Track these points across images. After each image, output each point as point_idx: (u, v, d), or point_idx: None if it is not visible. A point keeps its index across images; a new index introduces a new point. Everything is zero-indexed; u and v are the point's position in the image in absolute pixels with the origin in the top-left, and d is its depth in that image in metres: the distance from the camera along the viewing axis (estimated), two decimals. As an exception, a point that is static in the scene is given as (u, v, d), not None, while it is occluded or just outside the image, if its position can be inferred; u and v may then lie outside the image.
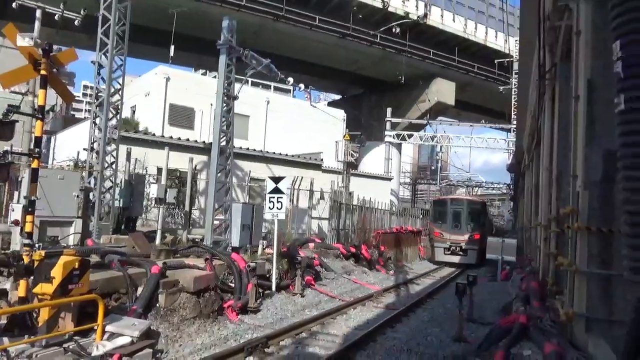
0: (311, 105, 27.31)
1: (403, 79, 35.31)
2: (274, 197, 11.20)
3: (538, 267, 13.30)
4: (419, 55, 35.87)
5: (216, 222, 13.21)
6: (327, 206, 20.58)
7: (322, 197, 20.95)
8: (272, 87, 70.50)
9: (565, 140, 10.20)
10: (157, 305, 7.88)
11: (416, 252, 30.37)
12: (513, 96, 35.08)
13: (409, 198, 69.67)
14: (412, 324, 9.64)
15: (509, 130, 41.39)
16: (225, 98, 12.91)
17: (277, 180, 11.28)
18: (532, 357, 5.65)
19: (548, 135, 10.98)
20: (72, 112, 58.19)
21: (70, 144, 20.94)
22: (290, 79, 15.69)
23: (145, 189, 13.73)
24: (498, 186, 63.23)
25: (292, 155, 20.66)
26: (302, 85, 17.19)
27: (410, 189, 67.19)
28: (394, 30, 31.89)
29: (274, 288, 11.20)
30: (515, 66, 36.76)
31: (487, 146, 35.29)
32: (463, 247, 22.82)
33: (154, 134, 17.83)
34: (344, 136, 22.28)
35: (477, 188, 62.69)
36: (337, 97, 48.35)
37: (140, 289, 7.91)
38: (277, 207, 11.18)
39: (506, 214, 76.75)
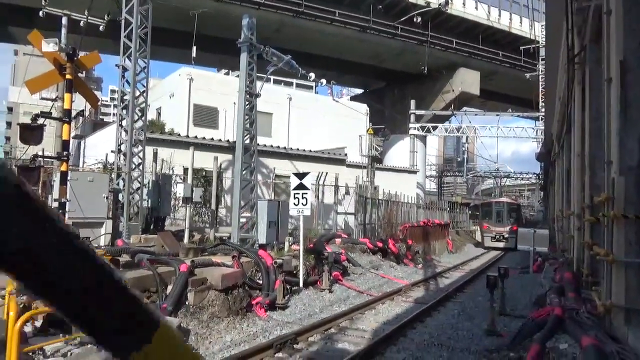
0: (333, 100, 27.13)
1: (426, 70, 34.85)
2: (298, 193, 11.17)
3: (571, 257, 12.95)
4: (441, 46, 35.30)
5: (242, 220, 13.29)
6: (352, 201, 20.49)
7: (347, 192, 20.86)
8: (294, 84, 70.72)
9: (597, 125, 9.87)
10: (187, 303, 7.96)
11: (444, 245, 30.05)
12: (540, 83, 34.21)
13: (435, 191, 68.97)
14: (443, 318, 9.49)
15: (537, 119, 40.42)
16: (248, 96, 12.93)
17: (301, 176, 11.24)
18: (569, 350, 5.45)
19: (579, 120, 10.63)
20: (100, 117, 59.63)
21: (99, 147, 21.41)
22: (312, 75, 15.62)
23: (173, 189, 13.91)
24: (527, 176, 61.79)
25: (316, 151, 20.62)
26: (323, 81, 17.08)
27: (437, 181, 66.38)
28: (415, 20, 31.41)
29: (301, 284, 11.19)
30: (542, 52, 35.79)
31: (515, 135, 34.51)
32: (505, 236, 31.73)
33: (179, 134, 18.05)
34: (367, 130, 22.07)
35: (505, 179, 61.52)
36: (360, 91, 47.99)
37: (169, 287, 8.00)
38: (302, 203, 11.14)
39: (536, 204, 75.15)
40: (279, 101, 27.52)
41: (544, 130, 29.07)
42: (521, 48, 36.62)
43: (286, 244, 13.41)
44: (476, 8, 35.27)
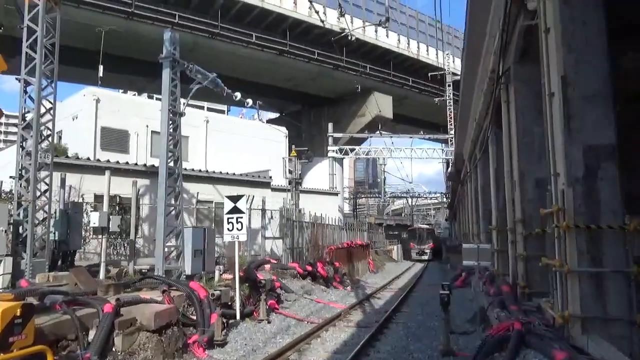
0: (259, 120, 26.64)
1: (341, 93, 35.60)
2: (232, 218, 10.41)
3: (496, 270, 13.39)
4: (355, 70, 36.34)
5: (166, 250, 12.15)
6: (277, 225, 19.91)
7: (272, 217, 20.23)
8: (205, 108, 68.77)
9: (525, 142, 10.32)
10: (114, 349, 6.85)
11: (366, 266, 30.27)
12: (448, 107, 36.46)
13: (349, 213, 70.22)
14: (392, 341, 9.16)
15: (444, 142, 42.89)
16: (171, 115, 11.99)
17: (235, 199, 10.50)
18: (542, 366, 5.30)
19: (506, 138, 11.07)
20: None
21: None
22: (238, 94, 14.98)
23: (84, 219, 12.41)
24: (435, 195, 65.17)
25: (240, 175, 19.83)
26: (249, 101, 16.50)
27: (351, 203, 67.70)
28: (332, 45, 32.08)
29: (238, 316, 10.33)
30: (449, 78, 38.31)
31: (427, 156, 36.15)
32: (425, 251, 46.34)
33: (88, 159, 16.39)
34: (291, 152, 21.73)
35: (415, 198, 64.31)
36: (275, 115, 47.81)
37: (92, 333, 6.85)
38: (237, 228, 10.39)
39: (442, 222, 79.33)
40: (196, 124, 26.38)
41: (455, 151, 30.68)
42: (429, 75, 38.83)
43: (216, 273, 12.44)
44: (387, 36, 36.90)
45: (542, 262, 7.15)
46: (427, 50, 40.52)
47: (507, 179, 11.08)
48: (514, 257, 10.40)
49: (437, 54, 40.07)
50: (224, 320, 9.78)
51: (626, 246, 6.19)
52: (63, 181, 12.31)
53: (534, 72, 10.22)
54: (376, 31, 36.21)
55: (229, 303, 10.65)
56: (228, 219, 10.45)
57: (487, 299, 10.15)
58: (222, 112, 65.09)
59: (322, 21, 26.21)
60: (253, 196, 17.11)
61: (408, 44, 39.10)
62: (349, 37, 27.45)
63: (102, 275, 11.19)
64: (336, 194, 32.29)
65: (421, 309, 13.19)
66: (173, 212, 12.27)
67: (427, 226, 55.81)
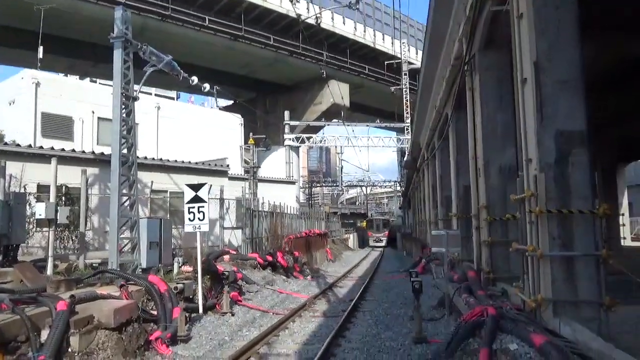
0: (217, 107, 25.91)
1: (298, 81, 35.26)
2: (194, 207, 9.99)
3: (457, 257, 13.66)
4: (312, 57, 36.02)
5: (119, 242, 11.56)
6: (235, 214, 19.54)
7: (228, 207, 19.80)
8: (153, 94, 66.38)
9: (489, 130, 10.46)
10: (70, 350, 6.38)
11: (324, 255, 30.39)
12: (404, 96, 36.88)
13: (304, 202, 70.19)
14: (361, 330, 9.10)
15: (400, 130, 43.51)
16: (124, 99, 11.33)
17: (196, 187, 10.09)
18: (521, 351, 5.34)
19: (470, 125, 11.20)
20: None
21: None
22: (195, 78, 14.38)
23: (28, 210, 11.56)
24: (389, 184, 66.04)
25: (197, 163, 19.22)
26: (206, 86, 15.89)
27: (306, 192, 67.62)
28: (288, 31, 31.61)
29: (200, 310, 9.97)
30: (405, 67, 38.75)
31: (384, 145, 36.53)
32: (381, 239, 53.18)
33: (30, 146, 15.30)
34: (248, 140, 21.28)
35: (370, 187, 65.08)
36: (229, 102, 46.82)
37: (45, 333, 6.33)
38: (198, 218, 9.99)
39: (396, 210, 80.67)
40: (146, 110, 25.30)
41: (412, 139, 31.11)
42: (385, 63, 39.10)
43: (175, 265, 11.98)
44: (344, 23, 36.77)
45: (512, 248, 7.24)
46: (383, 39, 40.78)
47: (471, 166, 11.23)
48: (478, 243, 10.58)
49: (393, 43, 40.40)
50: (187, 315, 9.41)
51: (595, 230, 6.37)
52: (2, 169, 11.38)
53: (498, 59, 10.41)
54: (332, 18, 36.00)
55: (191, 296, 10.29)
56: (189, 208, 10.02)
57: (452, 285, 10.28)
58: (171, 99, 63.05)
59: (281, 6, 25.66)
60: (211, 185, 16.65)
61: (364, 31, 39.15)
62: (307, 23, 27.07)
63: (49, 270, 10.46)
64: (293, 183, 32.15)
65: (385, 297, 13.29)
66: (127, 203, 11.67)
67: (382, 217, 63.71)
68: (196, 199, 10.03)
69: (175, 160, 18.47)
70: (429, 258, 18.40)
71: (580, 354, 5.02)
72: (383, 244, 52.33)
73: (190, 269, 11.72)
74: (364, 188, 67.28)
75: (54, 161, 10.99)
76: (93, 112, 23.58)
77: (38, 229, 12.94)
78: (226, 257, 15.60)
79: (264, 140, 22.87)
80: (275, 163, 37.15)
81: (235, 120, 31.15)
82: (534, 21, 6.70)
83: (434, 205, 21.98)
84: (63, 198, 13.85)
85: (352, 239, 50.29)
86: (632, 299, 7.01)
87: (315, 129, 41.06)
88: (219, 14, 31.17)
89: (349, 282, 18.22)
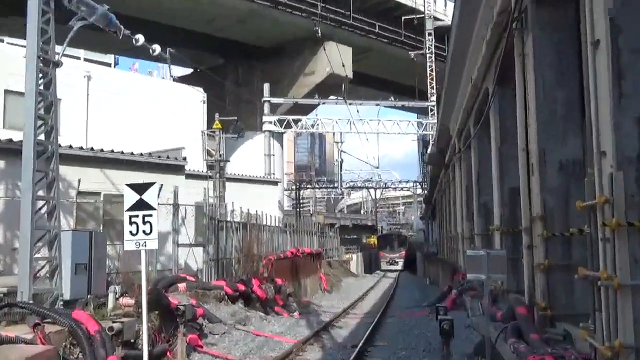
0: (170, 77, 25.92)
1: (282, 42, 35.27)
2: (137, 216, 9.84)
3: (501, 287, 13.68)
4: (302, 10, 35.94)
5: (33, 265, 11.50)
6: (195, 226, 19.52)
7: (185, 216, 19.77)
8: (81, 59, 66.23)
9: (548, 110, 10.47)
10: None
11: (317, 282, 30.42)
12: (429, 64, 37.01)
13: (289, 209, 70.16)
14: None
15: (422, 111, 43.69)
16: (42, 65, 11.24)
17: (141, 188, 9.94)
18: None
19: (520, 104, 11.20)
20: None
21: None
22: (140, 37, 14.28)
23: None
24: (406, 185, 66.08)
25: (142, 154, 19.16)
26: (156, 47, 15.82)
27: (293, 196, 67.65)
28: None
29: (146, 359, 9.89)
30: (429, 25, 38.85)
31: (399, 132, 36.62)
32: (395, 260, 55.31)
33: None
34: (213, 124, 21.25)
35: (381, 189, 65.26)
36: (188, 70, 46.69)
37: None
38: (143, 232, 9.84)
39: (416, 222, 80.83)
40: (71, 81, 25.21)
41: (439, 125, 31.18)
42: (403, 19, 39.12)
43: (111, 297, 11.93)
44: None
45: (579, 275, 7.22)
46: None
47: (520, 161, 11.24)
48: (530, 268, 10.58)
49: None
50: (126, 366, 9.39)
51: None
52: None
53: (559, 15, 10.44)
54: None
55: (132, 340, 10.24)
56: (131, 218, 9.87)
57: (495, 325, 10.29)
58: (107, 65, 62.73)
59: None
60: (161, 185, 16.60)
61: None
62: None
63: None
64: (275, 184, 32.11)
65: (402, 341, 13.31)
66: (44, 209, 11.59)
67: (398, 231, 68.25)
68: (141, 205, 9.89)
69: (112, 151, 18.35)
70: (461, 288, 18.43)
71: None
72: (398, 267, 53.26)
73: (131, 301, 11.64)
74: (371, 191, 67.27)
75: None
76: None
77: None
78: (182, 285, 15.56)
79: (235, 123, 22.79)
80: (250, 156, 37.05)
81: (196, 96, 31.07)
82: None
83: (469, 214, 22.02)
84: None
85: (355, 260, 50.41)
86: None
87: (306, 109, 41.04)
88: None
89: (352, 320, 18.29)
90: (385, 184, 63.11)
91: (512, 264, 11.97)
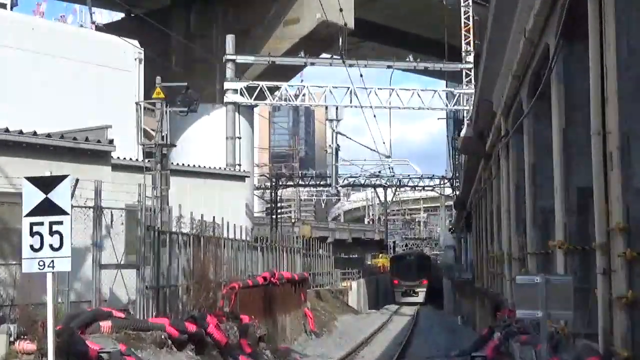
0: (92, 23, 25.90)
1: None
2: (42, 224, 9.84)
3: (567, 328, 13.72)
4: None
5: None
6: (126, 239, 19.47)
7: (112, 224, 19.77)
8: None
9: (631, 77, 10.50)
10: None
11: (301, 322, 30.46)
12: (463, 10, 37.05)
13: (261, 216, 70.23)
14: None
15: (452, 77, 43.75)
16: None
17: (47, 184, 9.95)
18: None
19: (594, 68, 11.22)
20: None
21: None
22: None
23: None
24: (429, 183, 66.12)
25: (49, 135, 19.12)
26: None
27: (268, 196, 67.64)
28: None
29: None
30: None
31: (420, 106, 36.68)
32: (415, 290, 57.76)
33: None
34: (155, 92, 21.16)
35: (396, 188, 65.38)
36: (118, 15, 46.62)
37: None
38: (50, 246, 9.85)
39: (443, 236, 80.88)
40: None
41: (477, 97, 31.27)
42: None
43: (2, 339, 11.94)
44: None
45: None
46: None
47: (594, 148, 11.27)
48: (607, 301, 10.62)
49: None
50: None
51: None
52: None
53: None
54: None
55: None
56: (32, 226, 9.90)
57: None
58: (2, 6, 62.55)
59: None
60: (77, 179, 16.64)
61: None
62: None
63: None
64: (243, 179, 32.11)
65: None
66: None
67: (417, 250, 73.29)
68: (47, 208, 9.90)
69: (6, 130, 18.32)
70: (508, 329, 18.47)
71: None
72: (419, 299, 54.40)
73: (32, 347, 11.69)
74: (380, 191, 67.47)
75: None
76: None
77: None
78: (105, 324, 15.60)
79: (185, 92, 22.66)
80: (206, 139, 36.99)
81: (128, 52, 31.01)
82: None
83: (519, 225, 22.09)
84: None
85: (355, 290, 50.52)
86: None
87: (287, 73, 41.03)
88: None
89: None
90: (400, 181, 63.17)
91: (580, 295, 12.01)
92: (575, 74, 13.70)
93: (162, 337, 16.56)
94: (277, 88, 38.47)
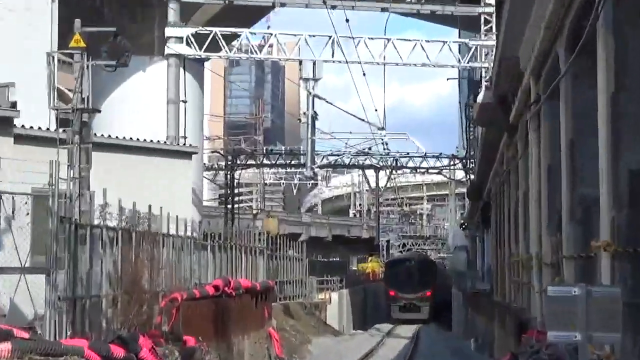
0: None
1: None
2: None
3: (612, 355, 13.78)
4: None
5: None
6: (32, 233, 19.41)
7: (13, 214, 19.72)
8: None
9: None
10: None
11: (263, 346, 30.56)
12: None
13: (213, 205, 70.29)
14: None
15: (466, 25, 43.82)
16: None
17: None
18: None
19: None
20: None
21: None
22: None
23: None
24: (434, 164, 66.33)
25: None
26: None
27: (222, 179, 67.77)
28: None
29: None
30: None
31: (425, 63, 36.79)
32: (415, 304, 58.20)
33: None
34: (74, 40, 21.05)
35: (391, 170, 65.58)
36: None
37: None
38: None
39: (452, 233, 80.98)
40: None
41: (500, 52, 31.33)
42: None
43: None
44: None
45: None
46: None
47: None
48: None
49: None
50: None
51: None
52: None
53: None
54: None
55: None
56: None
57: None
58: None
59: None
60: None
61: None
62: None
63: None
64: (189, 156, 32.11)
65: None
66: None
67: (418, 253, 76.06)
68: None
69: None
70: (536, 357, 18.55)
71: None
72: (421, 316, 55.33)
73: None
74: (370, 173, 67.76)
75: None
76: None
77: None
78: (4, 346, 15.54)
79: (113, 40, 22.57)
80: (140, 102, 36.90)
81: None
82: None
83: (552, 220, 22.15)
84: None
85: (336, 304, 50.68)
86: None
87: (249, 16, 41.02)
88: None
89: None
90: (397, 160, 63.30)
91: (632, 312, 12.06)
92: (627, 24, 13.66)
93: (80, 363, 16.56)
94: (236, 36, 38.36)
